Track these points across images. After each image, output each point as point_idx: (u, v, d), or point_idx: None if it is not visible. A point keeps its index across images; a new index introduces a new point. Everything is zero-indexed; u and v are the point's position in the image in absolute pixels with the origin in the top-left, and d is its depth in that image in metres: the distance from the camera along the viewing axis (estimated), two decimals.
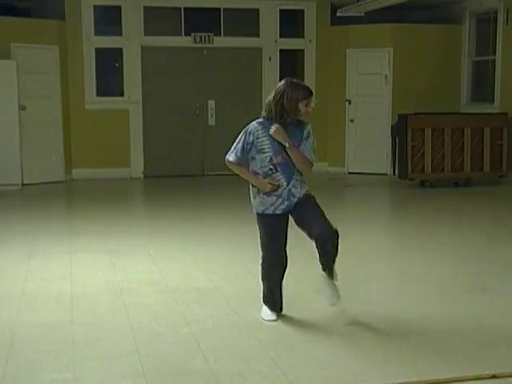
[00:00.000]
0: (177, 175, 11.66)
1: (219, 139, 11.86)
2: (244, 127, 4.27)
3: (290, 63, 12.30)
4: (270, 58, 11.92)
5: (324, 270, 4.25)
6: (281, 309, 4.42)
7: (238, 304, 4.71)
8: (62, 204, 9.92)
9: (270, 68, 11.93)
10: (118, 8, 11.37)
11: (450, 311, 4.57)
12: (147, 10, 11.50)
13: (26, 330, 4.23)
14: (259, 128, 4.19)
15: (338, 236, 4.13)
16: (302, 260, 5.11)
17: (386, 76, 11.80)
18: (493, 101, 11.21)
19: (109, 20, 11.69)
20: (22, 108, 10.46)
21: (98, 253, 6.28)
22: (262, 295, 4.48)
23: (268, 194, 4.22)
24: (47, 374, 3.56)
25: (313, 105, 4.19)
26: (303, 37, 12.08)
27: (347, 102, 12.07)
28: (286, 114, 4.13)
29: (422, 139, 10.22)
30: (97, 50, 11.36)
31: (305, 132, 4.23)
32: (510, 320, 4.42)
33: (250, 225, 7.69)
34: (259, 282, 4.62)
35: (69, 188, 10.87)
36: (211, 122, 11.91)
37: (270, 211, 4.25)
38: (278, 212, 4.24)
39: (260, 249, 4.37)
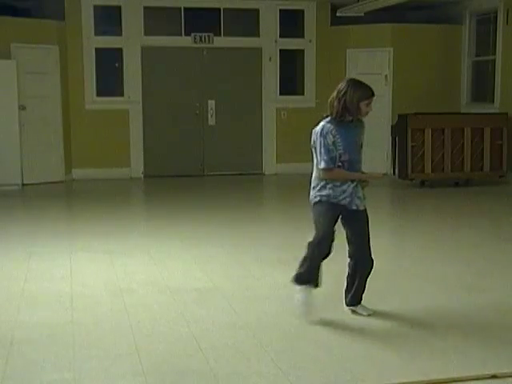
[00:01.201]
0: (177, 175, 11.66)
1: (219, 139, 11.88)
2: (321, 132, 4.22)
3: (290, 63, 12.28)
4: (270, 58, 11.91)
5: (348, 305, 4.49)
6: (317, 285, 4.40)
7: (238, 304, 4.71)
8: (62, 204, 9.91)
9: (270, 68, 11.93)
10: (118, 8, 11.37)
11: (450, 311, 4.57)
12: (147, 10, 11.50)
13: (26, 330, 4.23)
14: (332, 127, 4.21)
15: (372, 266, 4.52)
16: None
17: (386, 76, 11.80)
18: (493, 101, 11.20)
19: (109, 20, 11.69)
20: (21, 108, 10.45)
21: (98, 253, 6.28)
22: (295, 276, 4.35)
23: (340, 184, 4.26)
24: (47, 374, 3.55)
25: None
26: (303, 37, 12.07)
27: None
28: (347, 113, 4.22)
29: (422, 139, 10.21)
30: (97, 49, 11.35)
31: (363, 131, 4.39)
32: (510, 320, 4.42)
33: (250, 224, 7.75)
34: (259, 282, 4.61)
35: (69, 188, 10.86)
36: (211, 121, 11.90)
37: (334, 200, 4.27)
38: (341, 201, 4.28)
39: (315, 232, 4.31)
